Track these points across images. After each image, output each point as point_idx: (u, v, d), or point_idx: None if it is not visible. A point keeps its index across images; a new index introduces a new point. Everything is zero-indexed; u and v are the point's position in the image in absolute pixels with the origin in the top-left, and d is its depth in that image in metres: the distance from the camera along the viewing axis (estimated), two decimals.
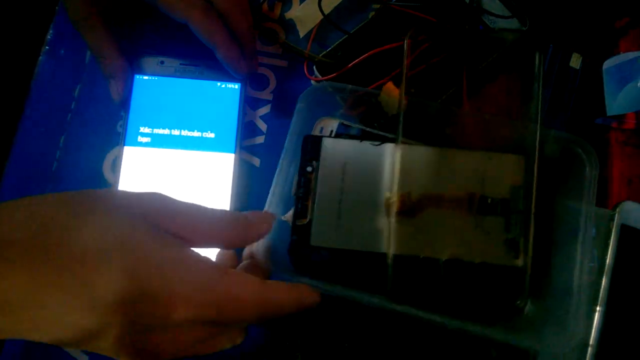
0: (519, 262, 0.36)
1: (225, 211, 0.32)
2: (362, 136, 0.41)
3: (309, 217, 0.38)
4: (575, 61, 0.45)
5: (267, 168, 0.44)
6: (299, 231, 0.37)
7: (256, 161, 0.44)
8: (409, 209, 0.37)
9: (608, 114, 0.43)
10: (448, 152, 0.39)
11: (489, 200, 0.38)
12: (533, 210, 0.36)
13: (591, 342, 0.36)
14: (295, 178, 0.39)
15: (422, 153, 0.39)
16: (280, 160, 0.37)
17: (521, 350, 0.37)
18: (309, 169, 0.39)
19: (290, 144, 0.38)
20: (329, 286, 0.33)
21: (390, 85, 0.39)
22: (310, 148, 0.39)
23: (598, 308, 0.37)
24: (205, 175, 0.42)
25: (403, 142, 0.37)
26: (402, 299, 0.33)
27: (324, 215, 0.38)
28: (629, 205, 0.39)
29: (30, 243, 0.24)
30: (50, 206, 0.26)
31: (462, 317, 0.33)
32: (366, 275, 0.36)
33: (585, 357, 0.36)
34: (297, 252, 0.38)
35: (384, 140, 0.39)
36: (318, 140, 0.39)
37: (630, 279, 0.38)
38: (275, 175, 0.37)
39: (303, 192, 0.38)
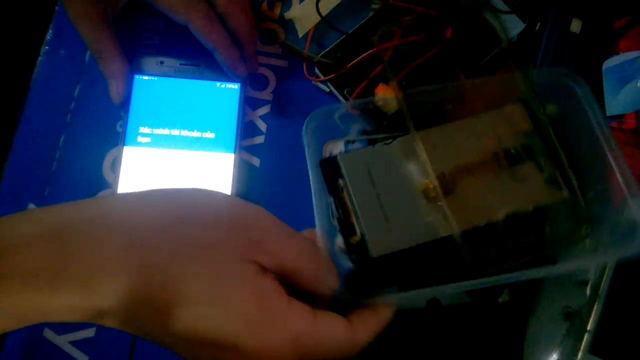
0: (564, 194, 0.37)
1: (318, 254, 0.31)
2: (371, 142, 0.41)
3: (359, 232, 0.37)
4: (576, 26, 0.45)
5: (267, 168, 0.44)
6: (355, 249, 0.37)
7: (256, 161, 0.44)
8: (447, 187, 0.37)
9: (608, 114, 0.43)
10: (457, 125, 0.40)
11: (513, 151, 0.38)
12: (556, 141, 0.37)
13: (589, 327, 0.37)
14: (331, 204, 0.38)
15: (436, 133, 0.39)
16: (313, 196, 0.36)
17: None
18: (339, 189, 0.38)
19: (314, 177, 0.37)
20: (406, 293, 0.33)
21: (381, 87, 0.39)
22: (330, 170, 0.39)
23: (597, 300, 0.37)
24: (205, 175, 0.42)
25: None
26: (481, 271, 0.33)
27: (373, 225, 0.37)
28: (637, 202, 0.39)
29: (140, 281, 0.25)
30: (158, 243, 0.25)
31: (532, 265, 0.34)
32: (437, 264, 0.37)
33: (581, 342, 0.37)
34: (358, 273, 0.37)
35: (393, 138, 0.39)
36: (333, 160, 0.39)
37: (633, 274, 0.38)
38: (315, 212, 0.36)
39: (343, 213, 0.38)
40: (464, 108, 0.40)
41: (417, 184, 0.38)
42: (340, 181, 0.38)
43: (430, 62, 0.42)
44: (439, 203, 0.37)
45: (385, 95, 0.39)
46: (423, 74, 0.42)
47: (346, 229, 0.37)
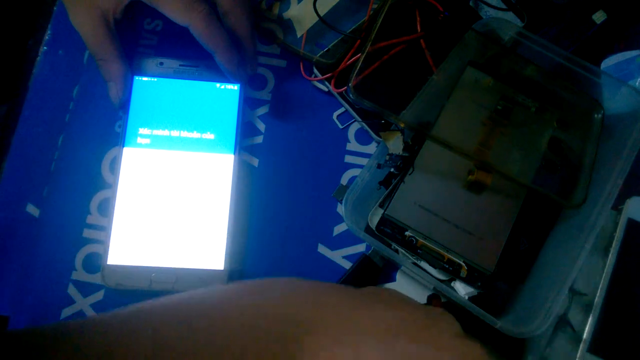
0: (556, 113, 0.42)
1: None
2: (396, 184, 0.41)
3: (462, 262, 0.38)
4: (599, 16, 0.45)
5: (266, 168, 0.44)
6: (473, 278, 0.38)
7: (255, 161, 0.44)
8: (484, 163, 0.40)
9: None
10: (444, 118, 0.41)
11: (499, 107, 0.42)
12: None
13: (584, 336, 0.37)
14: (419, 264, 0.39)
15: (445, 130, 0.41)
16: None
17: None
18: (413, 241, 0.39)
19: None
20: None
21: (385, 135, 0.41)
22: (391, 229, 0.39)
23: (596, 300, 0.37)
24: (204, 176, 0.42)
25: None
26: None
27: (465, 248, 0.39)
28: (636, 201, 0.39)
29: None
30: None
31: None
32: (530, 239, 0.41)
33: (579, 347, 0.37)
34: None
35: (412, 167, 0.41)
36: (386, 219, 0.39)
37: (633, 270, 0.39)
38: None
39: (436, 256, 0.38)
40: None
41: (461, 183, 0.40)
42: (407, 233, 0.39)
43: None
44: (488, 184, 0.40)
45: (390, 139, 0.41)
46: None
47: (451, 269, 0.38)
